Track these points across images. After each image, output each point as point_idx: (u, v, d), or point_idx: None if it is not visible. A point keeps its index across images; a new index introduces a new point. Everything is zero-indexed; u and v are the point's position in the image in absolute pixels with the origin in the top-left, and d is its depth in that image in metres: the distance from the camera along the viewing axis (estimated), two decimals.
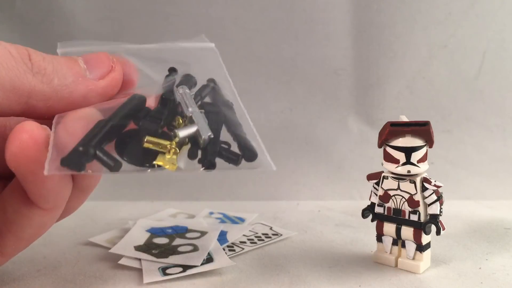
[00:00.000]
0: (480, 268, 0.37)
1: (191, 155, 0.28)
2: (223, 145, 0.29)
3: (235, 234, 0.44)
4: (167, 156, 0.28)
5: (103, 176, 0.56)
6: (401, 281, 0.35)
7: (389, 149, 0.36)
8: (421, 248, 0.36)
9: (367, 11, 0.56)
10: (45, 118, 0.30)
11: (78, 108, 0.29)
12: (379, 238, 0.38)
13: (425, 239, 0.36)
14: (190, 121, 0.29)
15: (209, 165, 0.28)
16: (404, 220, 0.37)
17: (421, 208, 0.36)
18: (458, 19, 0.56)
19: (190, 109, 0.29)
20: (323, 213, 0.53)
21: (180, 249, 0.41)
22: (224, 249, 0.41)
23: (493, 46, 0.56)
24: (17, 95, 0.27)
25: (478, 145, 0.57)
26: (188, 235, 0.44)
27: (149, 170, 0.28)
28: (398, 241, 0.37)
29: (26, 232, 0.31)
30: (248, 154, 0.29)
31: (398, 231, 0.37)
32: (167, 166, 0.28)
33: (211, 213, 0.53)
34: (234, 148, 0.29)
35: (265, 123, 0.59)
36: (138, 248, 0.41)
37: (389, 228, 0.38)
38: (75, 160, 0.26)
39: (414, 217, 0.36)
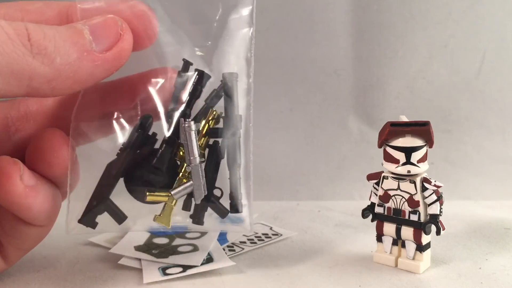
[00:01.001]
0: (480, 268, 0.37)
1: (185, 207, 0.31)
2: (215, 193, 0.31)
3: (235, 234, 0.44)
4: (164, 213, 0.31)
5: None
6: (401, 281, 0.35)
7: (389, 149, 0.36)
8: (421, 248, 0.36)
9: (367, 11, 0.56)
10: (49, 97, 0.29)
11: (84, 85, 0.28)
12: (379, 238, 0.38)
13: (425, 239, 0.36)
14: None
15: (197, 223, 0.32)
16: (404, 220, 0.37)
17: (421, 208, 0.36)
18: (458, 19, 0.56)
19: (189, 168, 0.30)
20: (323, 213, 0.53)
21: (180, 249, 0.41)
22: (224, 249, 0.41)
23: (493, 46, 0.56)
24: (18, 80, 0.25)
25: (478, 145, 0.57)
26: (188, 235, 0.44)
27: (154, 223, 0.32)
28: (398, 241, 0.37)
29: (25, 244, 0.33)
30: (234, 211, 0.32)
31: (398, 231, 0.37)
32: (163, 224, 0.31)
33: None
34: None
35: (265, 123, 0.59)
36: (138, 248, 0.41)
37: (389, 228, 0.38)
38: (89, 221, 0.31)
39: (414, 217, 0.36)
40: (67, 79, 0.27)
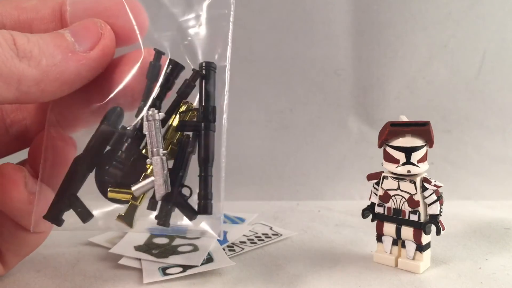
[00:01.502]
0: (480, 268, 0.37)
1: (150, 207, 0.29)
2: (184, 192, 0.29)
3: (235, 234, 0.44)
4: (127, 213, 0.30)
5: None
6: (401, 281, 0.35)
7: (389, 149, 0.36)
8: (421, 248, 0.36)
9: (367, 11, 0.56)
10: (40, 101, 0.29)
11: (72, 86, 0.28)
12: (379, 238, 0.38)
13: (425, 239, 0.36)
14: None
15: (163, 225, 0.29)
16: (404, 220, 0.37)
17: (421, 208, 0.36)
18: (458, 19, 0.56)
19: (149, 160, 0.29)
20: (323, 213, 0.53)
21: (180, 249, 0.41)
22: (224, 249, 0.41)
23: (493, 46, 0.56)
24: (6, 83, 0.26)
25: (478, 145, 0.57)
26: (188, 235, 0.44)
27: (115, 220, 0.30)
28: (398, 241, 0.37)
29: (23, 250, 0.34)
30: (203, 212, 0.29)
31: (398, 231, 0.37)
32: (125, 224, 0.30)
33: None
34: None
35: (265, 123, 0.59)
36: (138, 248, 0.41)
37: (389, 228, 0.38)
38: (54, 216, 0.30)
39: (414, 217, 0.36)
40: (55, 81, 0.27)
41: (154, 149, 0.29)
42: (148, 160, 0.29)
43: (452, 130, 0.58)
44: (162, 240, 0.43)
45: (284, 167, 0.59)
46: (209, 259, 0.38)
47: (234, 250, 0.41)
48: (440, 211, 0.36)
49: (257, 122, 0.59)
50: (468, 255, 0.40)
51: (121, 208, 0.30)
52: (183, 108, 0.30)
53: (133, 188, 0.29)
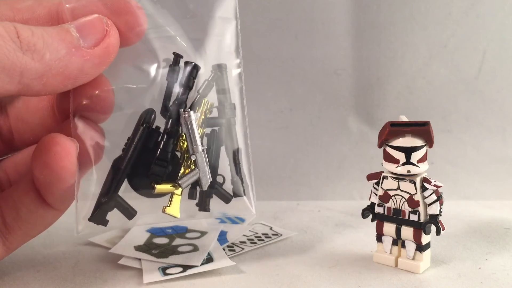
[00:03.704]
0: (480, 268, 0.37)
1: (190, 196, 0.33)
2: (218, 180, 0.33)
3: (235, 234, 0.44)
4: (173, 204, 0.32)
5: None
6: (401, 281, 0.35)
7: (389, 149, 0.36)
8: (421, 248, 0.36)
9: (367, 11, 0.56)
10: (42, 95, 0.29)
11: (75, 82, 0.28)
12: (379, 238, 0.38)
13: (425, 239, 0.36)
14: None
15: (204, 210, 0.33)
16: (404, 220, 0.37)
17: (421, 208, 0.36)
18: (458, 19, 0.56)
19: (193, 156, 0.31)
20: (323, 213, 0.53)
21: (180, 249, 0.41)
22: (224, 249, 0.41)
23: (493, 46, 0.56)
24: (9, 75, 0.25)
25: (478, 145, 0.57)
26: (188, 235, 0.44)
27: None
28: (398, 241, 0.37)
29: (36, 229, 0.33)
30: (237, 195, 0.34)
31: (398, 231, 0.37)
32: (173, 214, 0.32)
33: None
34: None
35: (265, 123, 0.59)
36: (138, 248, 0.41)
37: (389, 228, 0.38)
38: (100, 218, 0.32)
39: (414, 217, 0.36)
40: (57, 75, 0.27)
41: (195, 146, 0.31)
42: (192, 156, 0.31)
43: (452, 130, 0.58)
44: (162, 240, 0.43)
45: (284, 167, 0.59)
46: (209, 259, 0.38)
47: (234, 250, 0.41)
48: (440, 211, 0.36)
49: (257, 122, 0.59)
50: (468, 255, 0.40)
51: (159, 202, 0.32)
52: (205, 106, 0.32)
53: (180, 181, 0.31)
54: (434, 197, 0.36)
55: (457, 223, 0.47)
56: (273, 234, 0.45)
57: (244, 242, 0.43)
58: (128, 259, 0.39)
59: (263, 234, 0.45)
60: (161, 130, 0.32)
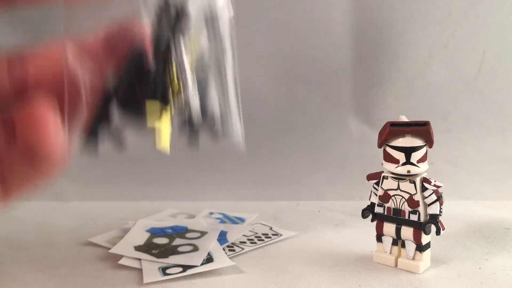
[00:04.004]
0: (480, 268, 0.37)
1: (180, 131, 0.31)
2: (208, 119, 0.32)
3: (235, 234, 0.44)
4: (162, 137, 0.31)
5: (104, 176, 0.56)
6: (401, 281, 0.35)
7: (389, 149, 0.36)
8: (421, 248, 0.36)
9: (367, 12, 0.56)
10: None
11: None
12: (379, 238, 0.38)
13: (425, 239, 0.36)
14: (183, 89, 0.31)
15: (193, 145, 0.31)
16: (404, 220, 0.37)
17: (421, 208, 0.36)
18: (458, 19, 0.56)
19: (184, 96, 0.31)
20: (323, 213, 0.53)
21: (180, 249, 0.41)
22: (224, 249, 0.41)
23: (493, 46, 0.56)
24: None
25: (478, 145, 0.57)
26: (188, 235, 0.44)
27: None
28: (398, 241, 0.37)
29: (30, 187, 0.31)
30: (225, 132, 0.32)
31: (398, 231, 0.37)
32: (164, 148, 0.31)
33: (211, 213, 0.53)
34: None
35: (265, 123, 0.59)
36: (138, 248, 0.41)
37: (389, 228, 0.38)
38: (90, 143, 0.31)
39: (414, 217, 0.36)
40: None
41: (184, 77, 0.31)
42: (180, 83, 0.31)
43: (452, 130, 0.58)
44: (162, 240, 0.43)
45: (284, 167, 0.59)
46: (209, 259, 0.38)
47: (234, 250, 0.41)
48: (440, 211, 0.36)
49: (257, 122, 0.59)
50: (468, 255, 0.40)
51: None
52: (193, 42, 0.32)
53: (171, 106, 0.30)
54: (434, 197, 0.36)
55: (457, 223, 0.47)
56: (273, 234, 0.45)
57: (244, 242, 0.43)
58: (128, 259, 0.39)
59: (263, 234, 0.45)
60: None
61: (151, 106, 0.30)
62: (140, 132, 0.31)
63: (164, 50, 0.31)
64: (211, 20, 0.32)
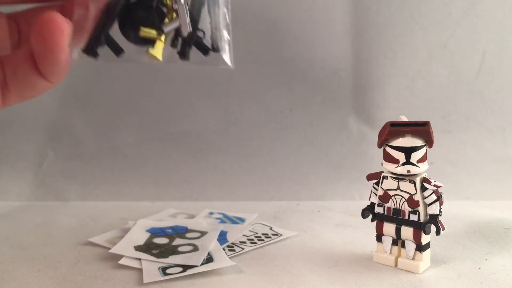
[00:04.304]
0: (480, 268, 0.37)
1: (173, 45, 0.35)
2: (199, 34, 0.35)
3: (235, 234, 0.44)
4: (156, 47, 0.35)
5: (104, 176, 0.56)
6: (401, 281, 0.35)
7: (389, 149, 0.36)
8: (420, 248, 0.36)
9: (367, 12, 0.56)
10: None
11: None
12: (379, 238, 0.38)
13: (424, 239, 0.36)
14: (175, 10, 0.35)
15: (184, 57, 0.35)
16: (404, 220, 0.37)
17: (420, 208, 0.36)
18: (458, 19, 0.56)
19: (175, 6, 0.34)
20: (323, 213, 0.53)
21: (180, 249, 0.41)
22: (224, 249, 0.41)
23: (493, 46, 0.56)
24: None
25: (478, 145, 0.57)
26: (188, 235, 0.44)
27: (145, 55, 0.35)
28: (398, 241, 0.38)
29: (28, 94, 0.35)
30: (215, 48, 0.36)
31: (398, 231, 0.37)
32: (156, 55, 0.35)
33: (211, 213, 0.53)
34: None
35: (265, 123, 0.59)
36: (138, 248, 0.41)
37: (389, 228, 0.38)
38: (91, 50, 0.34)
39: (414, 217, 0.36)
40: None
41: (176, 4, 0.34)
42: (174, 5, 0.34)
43: (452, 130, 0.58)
44: (162, 240, 0.43)
45: (284, 167, 0.59)
46: (209, 259, 0.38)
47: (234, 250, 0.41)
48: (440, 211, 0.36)
49: (257, 122, 0.59)
50: (467, 255, 0.40)
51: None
52: None
53: (163, 26, 0.34)
54: (434, 197, 0.36)
55: (457, 223, 0.48)
56: (273, 234, 0.45)
57: (244, 242, 0.43)
58: (128, 259, 0.39)
59: (263, 234, 0.45)
60: None
61: (147, 32, 0.34)
62: (136, 43, 0.35)
63: None
64: None
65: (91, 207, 0.57)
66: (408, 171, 0.36)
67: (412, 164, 0.35)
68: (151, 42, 0.35)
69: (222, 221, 0.50)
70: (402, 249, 0.37)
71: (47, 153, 0.61)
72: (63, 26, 0.31)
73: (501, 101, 0.57)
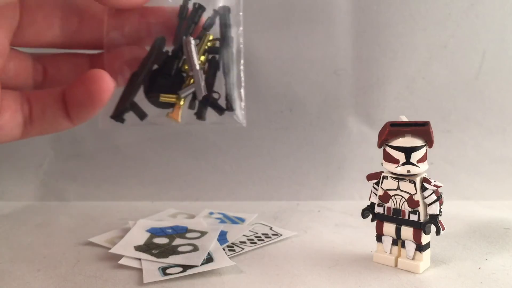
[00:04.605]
0: (480, 268, 0.37)
1: (190, 107, 0.39)
2: (214, 96, 0.39)
3: (235, 234, 0.44)
4: (175, 111, 0.39)
5: (104, 176, 0.56)
6: (400, 281, 0.35)
7: (389, 149, 0.36)
8: (420, 248, 0.36)
9: (367, 12, 0.56)
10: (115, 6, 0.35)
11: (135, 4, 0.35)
12: (379, 238, 0.38)
13: (424, 239, 0.36)
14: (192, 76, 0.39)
15: (200, 118, 0.40)
16: (404, 220, 0.37)
17: (420, 208, 0.36)
18: (458, 19, 0.56)
19: (191, 73, 0.38)
20: (323, 213, 0.53)
21: (180, 249, 0.41)
22: (224, 249, 0.41)
23: (493, 46, 0.56)
24: None
25: (478, 145, 0.57)
26: (188, 235, 0.44)
27: (166, 115, 0.40)
28: (398, 241, 0.38)
29: (51, 130, 0.38)
30: (230, 108, 0.40)
31: (398, 231, 0.37)
32: (175, 118, 0.39)
33: (211, 213, 0.53)
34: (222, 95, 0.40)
35: (265, 123, 0.59)
36: (138, 248, 0.41)
37: (389, 228, 0.38)
38: (118, 116, 0.39)
39: (414, 217, 0.36)
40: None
41: (193, 64, 0.38)
42: (190, 72, 0.39)
43: (452, 130, 0.58)
44: (162, 240, 0.43)
45: (284, 167, 0.59)
46: (209, 259, 0.38)
47: (234, 250, 0.41)
48: (440, 211, 0.36)
49: (257, 122, 0.59)
50: (467, 255, 0.40)
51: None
52: (207, 38, 0.40)
53: (180, 92, 0.39)
54: (434, 197, 0.36)
55: (457, 223, 0.48)
56: (273, 234, 0.45)
57: (244, 242, 0.43)
58: (128, 259, 0.39)
59: (263, 234, 0.45)
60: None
61: (167, 97, 0.39)
62: (158, 107, 0.39)
63: (179, 48, 0.39)
64: (223, 15, 0.40)
65: (91, 207, 0.57)
66: (408, 171, 0.36)
67: (412, 164, 0.35)
68: (171, 105, 0.39)
69: (222, 221, 0.50)
70: (402, 249, 0.37)
71: (47, 153, 0.61)
72: (111, 86, 0.35)
73: (501, 101, 0.57)
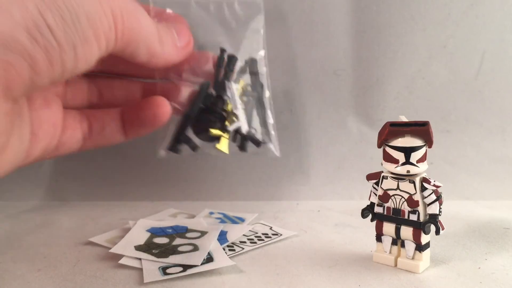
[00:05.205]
0: (480, 268, 0.37)
1: (234, 140, 0.45)
2: (252, 131, 0.45)
3: (235, 234, 0.45)
4: (222, 143, 0.44)
5: (104, 176, 0.57)
6: (400, 281, 0.35)
7: (388, 149, 0.36)
8: (420, 248, 0.36)
9: (366, 12, 0.56)
10: (147, 64, 0.37)
11: (167, 63, 0.38)
12: (379, 238, 0.38)
13: (424, 239, 0.37)
14: (235, 114, 0.45)
15: (243, 149, 0.46)
16: (404, 220, 0.37)
17: (420, 208, 0.36)
18: (457, 20, 0.56)
19: (235, 111, 0.44)
20: (323, 213, 0.53)
21: (180, 249, 0.41)
22: (224, 249, 0.41)
23: (492, 46, 0.56)
24: (145, 48, 0.35)
25: (477, 145, 0.57)
26: (188, 235, 0.44)
27: (214, 148, 0.45)
28: (397, 241, 0.38)
29: (104, 144, 0.42)
30: (264, 141, 0.46)
31: (397, 231, 0.37)
32: (223, 149, 0.44)
33: (211, 213, 0.53)
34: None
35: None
36: (138, 248, 0.41)
37: (389, 228, 0.38)
38: (174, 148, 0.45)
39: (413, 217, 0.36)
40: (164, 59, 0.38)
41: (236, 105, 0.44)
42: (235, 111, 0.44)
43: (452, 130, 0.58)
44: (162, 240, 0.43)
45: (284, 167, 0.59)
46: (209, 259, 0.38)
47: (234, 250, 0.41)
48: (440, 211, 0.36)
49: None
50: (467, 255, 0.40)
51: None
52: (242, 83, 0.45)
53: (229, 127, 0.44)
54: (433, 197, 0.36)
55: (457, 223, 0.48)
56: (273, 234, 0.45)
57: (244, 242, 0.43)
58: (128, 258, 0.39)
59: (263, 234, 0.45)
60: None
61: (215, 132, 0.44)
62: (204, 140, 0.44)
63: (222, 86, 0.44)
64: (252, 65, 0.46)
65: (91, 207, 0.57)
66: (408, 171, 0.36)
67: (412, 164, 0.36)
68: (217, 138, 0.44)
69: (222, 221, 0.50)
70: (402, 249, 0.37)
71: None
72: (170, 112, 0.41)
73: (501, 101, 0.57)
